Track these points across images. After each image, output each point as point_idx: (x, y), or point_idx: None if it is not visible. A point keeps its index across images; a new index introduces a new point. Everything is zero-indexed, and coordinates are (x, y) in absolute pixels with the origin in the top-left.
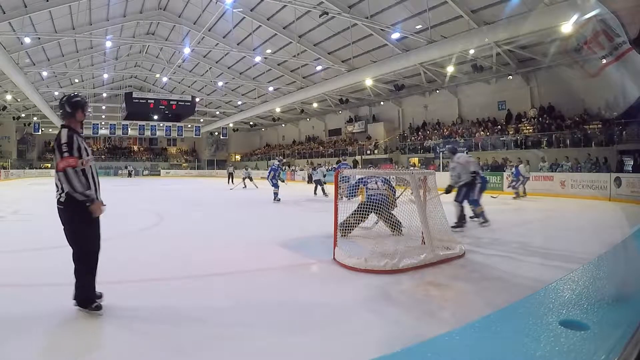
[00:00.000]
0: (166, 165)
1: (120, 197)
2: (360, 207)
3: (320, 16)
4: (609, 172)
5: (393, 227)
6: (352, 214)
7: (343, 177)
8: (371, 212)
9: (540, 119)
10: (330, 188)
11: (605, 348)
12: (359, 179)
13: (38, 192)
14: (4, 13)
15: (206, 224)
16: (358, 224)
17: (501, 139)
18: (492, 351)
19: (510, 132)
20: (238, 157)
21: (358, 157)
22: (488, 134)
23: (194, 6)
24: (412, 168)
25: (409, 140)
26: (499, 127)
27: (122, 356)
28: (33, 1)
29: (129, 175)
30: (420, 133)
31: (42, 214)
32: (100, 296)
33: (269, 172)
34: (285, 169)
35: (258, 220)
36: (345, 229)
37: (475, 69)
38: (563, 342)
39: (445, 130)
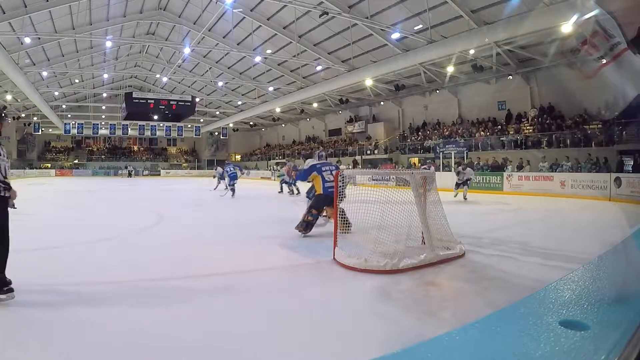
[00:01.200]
0: (166, 165)
1: (120, 197)
2: (316, 201)
3: (320, 16)
4: (609, 172)
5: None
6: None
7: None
8: (326, 205)
9: (540, 119)
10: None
11: (605, 348)
12: (312, 165)
13: (38, 192)
14: (4, 13)
15: (206, 224)
16: (314, 220)
17: (501, 139)
18: (492, 351)
19: (511, 132)
20: (238, 157)
21: (358, 157)
22: (488, 134)
23: (194, 6)
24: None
25: (409, 140)
26: (499, 127)
27: (122, 356)
28: (33, 1)
29: (129, 175)
30: (420, 133)
31: (42, 214)
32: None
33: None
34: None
35: (257, 220)
36: (306, 228)
37: (475, 69)
38: (563, 342)
39: (445, 130)
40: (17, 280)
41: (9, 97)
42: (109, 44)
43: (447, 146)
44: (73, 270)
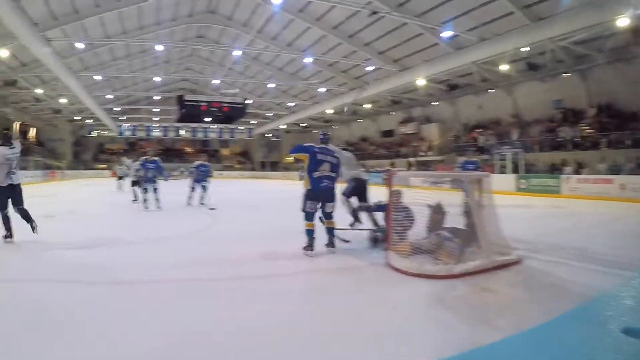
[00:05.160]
0: (219, 166)
1: (174, 199)
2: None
3: (369, 16)
4: None
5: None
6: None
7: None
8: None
9: (598, 118)
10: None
11: None
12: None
13: (93, 193)
14: (56, 20)
15: (260, 226)
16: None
17: (558, 139)
18: (551, 358)
19: (568, 133)
20: (290, 159)
21: (412, 159)
22: (544, 134)
23: (243, 8)
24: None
25: (463, 141)
26: (556, 127)
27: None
28: (84, 7)
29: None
30: (474, 134)
31: (97, 214)
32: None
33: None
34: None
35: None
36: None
37: (529, 67)
38: (625, 349)
39: (500, 131)
40: (76, 276)
41: (63, 100)
42: (159, 47)
43: (502, 147)
44: (129, 268)
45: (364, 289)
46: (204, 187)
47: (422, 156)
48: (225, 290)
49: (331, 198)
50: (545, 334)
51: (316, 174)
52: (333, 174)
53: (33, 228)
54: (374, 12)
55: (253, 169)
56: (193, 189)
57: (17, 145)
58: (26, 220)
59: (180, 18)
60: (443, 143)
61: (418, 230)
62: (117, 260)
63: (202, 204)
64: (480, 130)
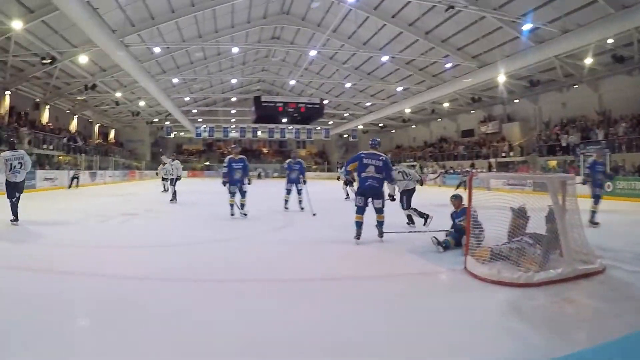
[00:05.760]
0: None
1: (250, 199)
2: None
3: (445, 10)
4: None
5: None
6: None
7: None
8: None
9: None
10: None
11: None
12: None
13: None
14: (133, 26)
15: (334, 227)
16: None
17: None
18: None
19: None
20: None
21: (492, 160)
22: (632, 132)
23: (316, 8)
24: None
25: (545, 140)
26: None
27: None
28: (159, 13)
29: (259, 177)
30: (558, 133)
31: (172, 213)
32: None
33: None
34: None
35: (387, 223)
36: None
37: (615, 60)
38: None
39: (585, 129)
40: (144, 273)
41: (142, 103)
42: (235, 50)
43: (587, 147)
44: (208, 266)
45: (437, 295)
46: (299, 190)
47: (504, 157)
48: (290, 290)
49: (377, 195)
50: (623, 349)
51: (363, 175)
52: (378, 175)
53: (12, 220)
54: (451, 7)
55: (330, 170)
56: (289, 191)
57: (22, 151)
58: (13, 208)
59: (254, 20)
60: (525, 143)
61: (498, 235)
62: (180, 259)
63: (301, 208)
64: (564, 128)
